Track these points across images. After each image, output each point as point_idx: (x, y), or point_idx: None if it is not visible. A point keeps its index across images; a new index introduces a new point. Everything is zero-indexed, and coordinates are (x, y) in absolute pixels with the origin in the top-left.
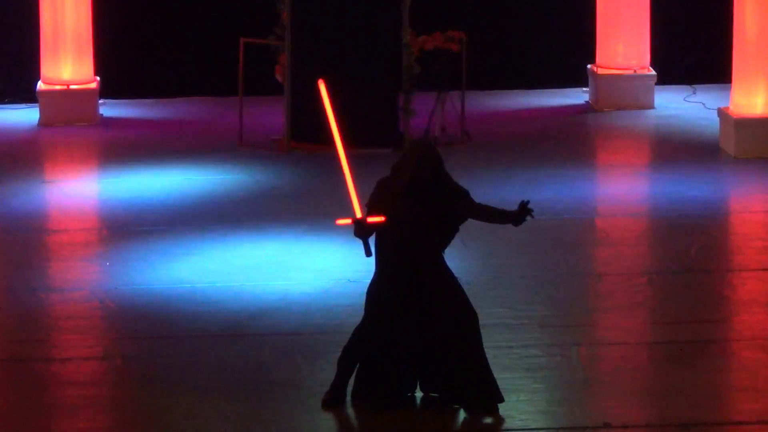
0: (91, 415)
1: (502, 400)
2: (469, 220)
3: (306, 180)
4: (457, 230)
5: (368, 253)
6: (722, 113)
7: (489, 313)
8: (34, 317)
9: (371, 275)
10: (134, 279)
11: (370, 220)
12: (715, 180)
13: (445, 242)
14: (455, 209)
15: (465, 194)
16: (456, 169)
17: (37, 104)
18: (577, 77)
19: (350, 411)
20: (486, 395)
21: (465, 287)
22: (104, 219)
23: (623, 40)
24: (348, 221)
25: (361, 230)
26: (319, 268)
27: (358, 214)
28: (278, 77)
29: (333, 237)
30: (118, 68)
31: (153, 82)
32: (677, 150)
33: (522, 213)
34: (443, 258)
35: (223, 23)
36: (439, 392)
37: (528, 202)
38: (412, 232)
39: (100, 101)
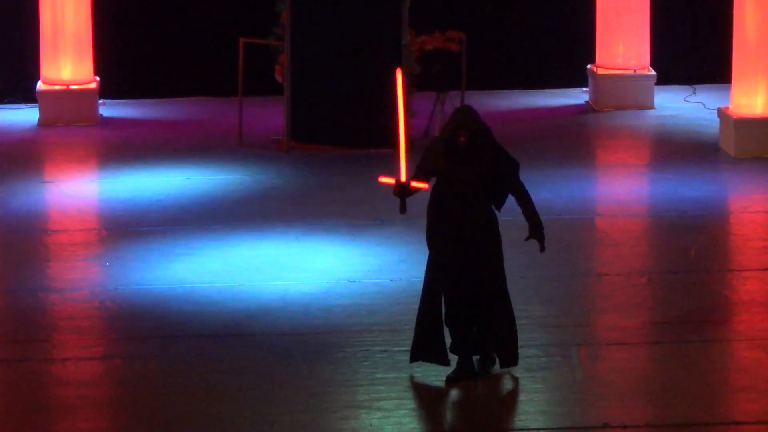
0: (91, 415)
1: (514, 363)
2: None
3: (306, 180)
4: (506, 193)
5: (403, 211)
6: (722, 113)
7: None
8: (34, 317)
9: (371, 275)
10: (134, 279)
11: (414, 184)
12: (715, 180)
13: (496, 201)
14: (498, 170)
15: (510, 161)
16: None
17: (37, 104)
18: (577, 77)
19: (349, 411)
20: (510, 353)
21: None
22: (104, 219)
23: (623, 40)
24: (391, 181)
25: (402, 191)
26: (318, 268)
27: (403, 177)
28: (278, 77)
29: (333, 237)
30: (118, 68)
31: (153, 82)
32: (677, 150)
33: (537, 235)
34: (493, 218)
35: (223, 23)
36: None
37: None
38: (456, 189)
39: (100, 101)
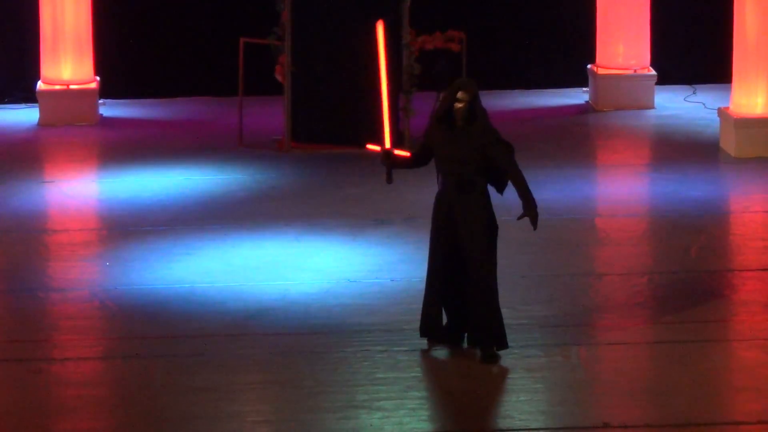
0: (91, 415)
1: (504, 346)
2: None
3: (306, 180)
4: (501, 177)
5: (389, 181)
6: (722, 113)
7: None
8: (34, 317)
9: (371, 275)
10: (134, 279)
11: (397, 152)
12: (715, 180)
13: (496, 185)
14: (488, 151)
15: (499, 144)
16: None
17: (37, 104)
18: (577, 77)
19: (349, 411)
20: (486, 337)
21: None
22: (104, 219)
23: (623, 40)
24: (377, 148)
25: (386, 159)
26: (319, 268)
27: (387, 145)
28: (278, 77)
29: (333, 237)
30: (118, 68)
31: (153, 82)
32: (677, 150)
33: (530, 213)
34: (485, 198)
35: (223, 23)
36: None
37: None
38: (451, 168)
39: (100, 101)
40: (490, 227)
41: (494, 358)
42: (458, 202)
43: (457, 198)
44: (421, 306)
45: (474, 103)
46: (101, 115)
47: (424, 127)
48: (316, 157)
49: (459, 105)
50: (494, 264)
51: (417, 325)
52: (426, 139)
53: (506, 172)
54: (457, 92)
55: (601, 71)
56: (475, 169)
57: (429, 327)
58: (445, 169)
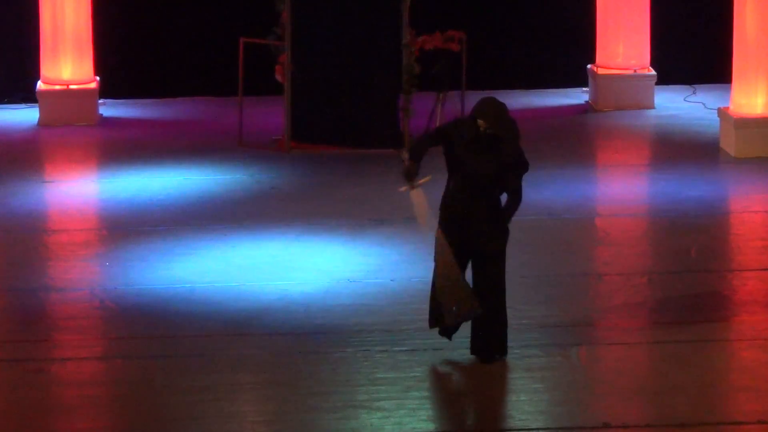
0: (91, 415)
1: (502, 354)
2: None
3: (306, 180)
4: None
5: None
6: (722, 113)
7: None
8: (34, 317)
9: (371, 275)
10: (134, 279)
11: (421, 180)
12: (715, 180)
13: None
14: (505, 171)
15: (519, 168)
16: None
17: (37, 104)
18: (577, 77)
19: (349, 411)
20: (489, 349)
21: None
22: (104, 219)
23: (623, 40)
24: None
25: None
26: (319, 268)
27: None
28: (278, 77)
29: (333, 237)
30: (118, 68)
31: (153, 82)
32: (677, 150)
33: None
34: (500, 203)
35: (223, 23)
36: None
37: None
38: (474, 177)
39: (100, 101)
40: (504, 238)
41: (494, 360)
42: (473, 206)
43: (472, 202)
44: (421, 305)
45: (495, 129)
46: (101, 115)
47: (446, 122)
48: (316, 157)
49: (486, 131)
50: (504, 278)
51: (417, 325)
52: (446, 133)
53: (509, 186)
54: (476, 120)
55: (601, 71)
56: (493, 185)
57: (435, 319)
58: (468, 176)
